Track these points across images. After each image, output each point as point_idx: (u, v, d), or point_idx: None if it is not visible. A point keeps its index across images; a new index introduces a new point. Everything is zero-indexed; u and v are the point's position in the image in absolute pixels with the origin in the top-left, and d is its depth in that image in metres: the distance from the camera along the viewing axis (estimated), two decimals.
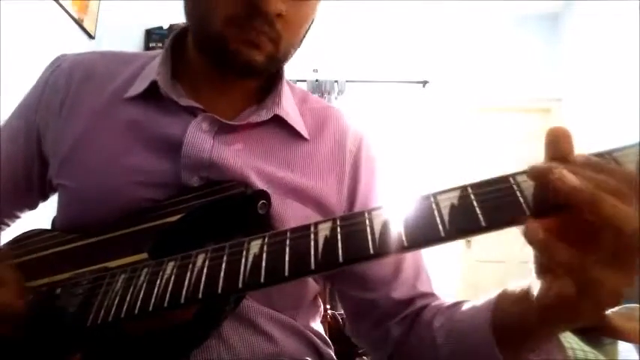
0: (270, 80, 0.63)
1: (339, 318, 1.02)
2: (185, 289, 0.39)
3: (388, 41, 3.82)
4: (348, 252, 0.36)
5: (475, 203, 0.34)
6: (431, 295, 0.61)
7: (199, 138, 0.55)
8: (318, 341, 0.63)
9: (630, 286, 0.32)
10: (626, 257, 0.32)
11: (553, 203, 0.33)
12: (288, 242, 0.38)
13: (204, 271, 0.40)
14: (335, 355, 0.66)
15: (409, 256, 0.62)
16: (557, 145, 0.34)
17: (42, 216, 0.72)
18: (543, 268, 0.36)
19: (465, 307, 0.51)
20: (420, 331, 0.55)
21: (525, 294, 0.39)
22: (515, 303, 0.42)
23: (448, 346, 0.50)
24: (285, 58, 0.58)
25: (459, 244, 3.49)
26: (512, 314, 0.42)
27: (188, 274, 0.40)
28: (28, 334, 0.44)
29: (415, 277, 0.61)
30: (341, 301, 0.67)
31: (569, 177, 0.31)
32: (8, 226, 0.69)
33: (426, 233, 0.35)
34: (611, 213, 0.30)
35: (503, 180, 0.35)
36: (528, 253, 0.36)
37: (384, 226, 0.36)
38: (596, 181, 0.31)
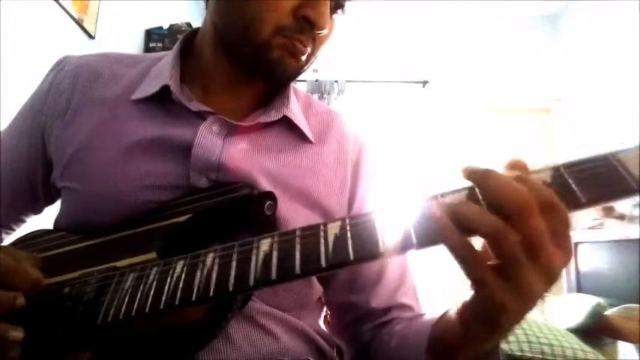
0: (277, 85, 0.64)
1: None
2: (196, 287, 0.39)
3: (388, 41, 3.83)
4: (358, 251, 0.36)
5: (482, 203, 0.35)
6: (410, 308, 0.62)
7: (209, 140, 0.56)
8: (322, 341, 0.63)
9: (519, 299, 0.33)
10: (507, 268, 0.32)
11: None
12: (298, 240, 0.39)
13: (215, 269, 0.40)
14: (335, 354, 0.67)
15: (394, 265, 0.63)
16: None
17: (41, 216, 0.71)
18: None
19: (428, 316, 0.53)
20: (384, 335, 0.57)
21: (455, 312, 0.41)
22: (451, 316, 0.44)
23: (397, 349, 0.53)
24: (306, 68, 0.61)
25: None
26: (446, 326, 0.45)
27: (198, 272, 0.40)
28: (38, 332, 0.44)
29: (397, 287, 0.62)
30: (324, 298, 0.67)
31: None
32: (14, 230, 0.69)
33: (435, 232, 0.35)
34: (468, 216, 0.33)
35: None
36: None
37: (394, 226, 0.36)
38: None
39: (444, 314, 0.47)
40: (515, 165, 0.35)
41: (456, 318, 0.40)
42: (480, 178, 0.34)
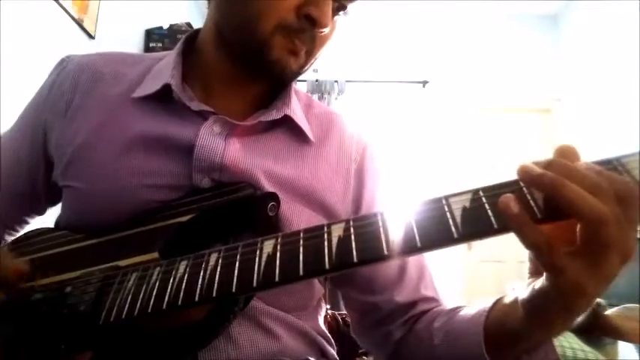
0: (278, 85, 0.64)
1: (339, 318, 1.02)
2: (199, 287, 0.39)
3: (388, 41, 3.83)
4: (362, 252, 0.36)
5: (487, 206, 0.35)
6: (433, 299, 0.62)
7: (211, 141, 0.56)
8: (323, 341, 0.63)
9: (598, 289, 0.33)
10: (594, 254, 0.32)
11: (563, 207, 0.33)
12: (301, 242, 0.39)
13: (218, 270, 0.40)
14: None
15: (413, 260, 0.62)
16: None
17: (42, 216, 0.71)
18: (534, 267, 0.39)
19: (465, 310, 0.52)
20: (420, 331, 0.57)
21: (515, 300, 0.41)
22: (507, 307, 0.44)
23: (443, 346, 0.52)
24: (307, 69, 0.60)
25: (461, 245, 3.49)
26: (503, 318, 0.44)
27: (201, 273, 0.40)
28: (39, 331, 0.44)
29: (419, 281, 0.62)
30: (344, 303, 0.67)
31: (532, 166, 0.33)
32: (17, 232, 0.69)
33: (439, 235, 0.35)
34: (572, 197, 0.31)
35: (514, 183, 0.36)
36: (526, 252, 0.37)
37: (398, 228, 0.36)
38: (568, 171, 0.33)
39: (496, 304, 0.47)
40: (564, 151, 0.35)
41: (521, 307, 0.40)
42: (552, 165, 0.33)
